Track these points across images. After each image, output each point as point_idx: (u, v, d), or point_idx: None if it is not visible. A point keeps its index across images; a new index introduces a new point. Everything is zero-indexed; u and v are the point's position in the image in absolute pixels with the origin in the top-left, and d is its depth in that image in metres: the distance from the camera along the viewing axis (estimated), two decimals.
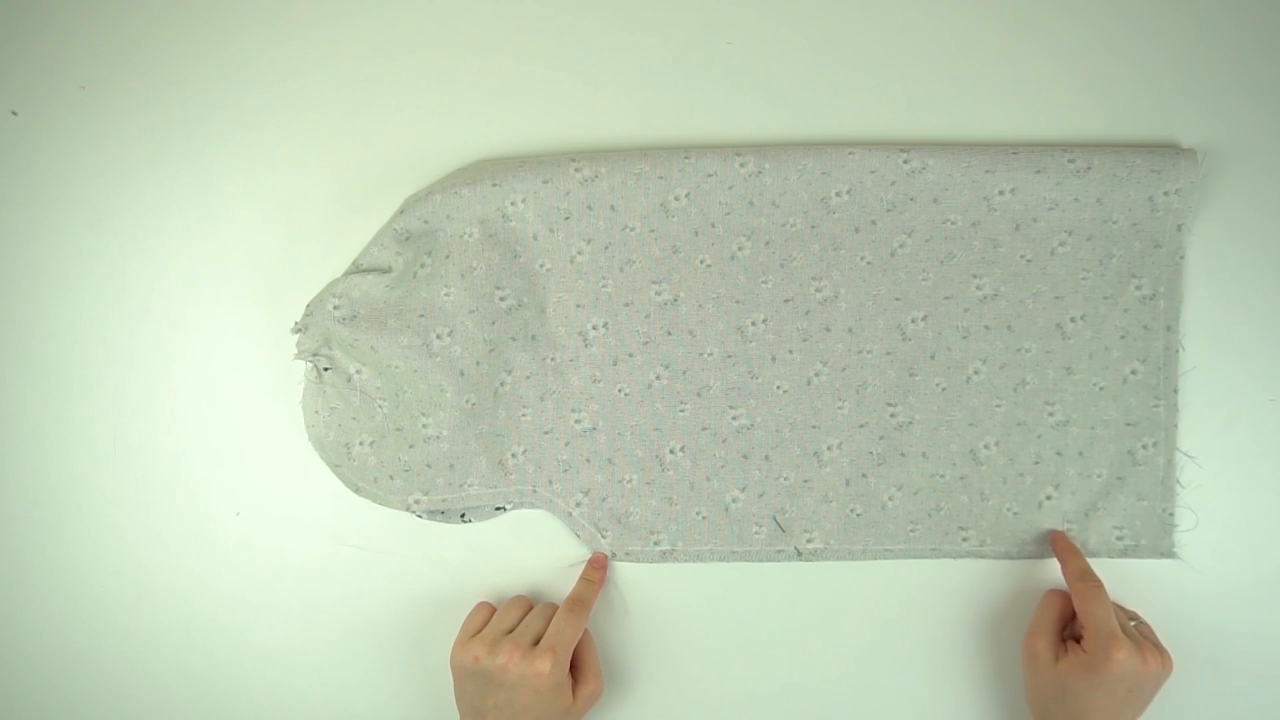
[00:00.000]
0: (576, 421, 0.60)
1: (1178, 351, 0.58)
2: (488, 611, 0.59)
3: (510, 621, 0.57)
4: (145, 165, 0.61)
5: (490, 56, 0.60)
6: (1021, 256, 0.58)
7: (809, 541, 0.59)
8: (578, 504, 0.60)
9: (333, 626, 0.62)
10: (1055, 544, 0.58)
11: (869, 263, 0.58)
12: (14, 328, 0.62)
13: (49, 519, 0.62)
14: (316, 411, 0.60)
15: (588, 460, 0.60)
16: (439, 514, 0.60)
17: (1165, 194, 0.56)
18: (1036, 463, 0.59)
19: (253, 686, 0.63)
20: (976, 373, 0.59)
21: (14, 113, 0.62)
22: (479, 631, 0.57)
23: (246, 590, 0.62)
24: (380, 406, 0.59)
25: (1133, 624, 0.55)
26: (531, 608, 0.58)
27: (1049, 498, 0.59)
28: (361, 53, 0.61)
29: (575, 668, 0.56)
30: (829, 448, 0.59)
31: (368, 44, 0.61)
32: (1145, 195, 0.56)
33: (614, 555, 0.60)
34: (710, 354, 0.59)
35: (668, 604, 0.61)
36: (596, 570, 0.60)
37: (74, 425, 0.62)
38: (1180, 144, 0.58)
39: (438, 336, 0.58)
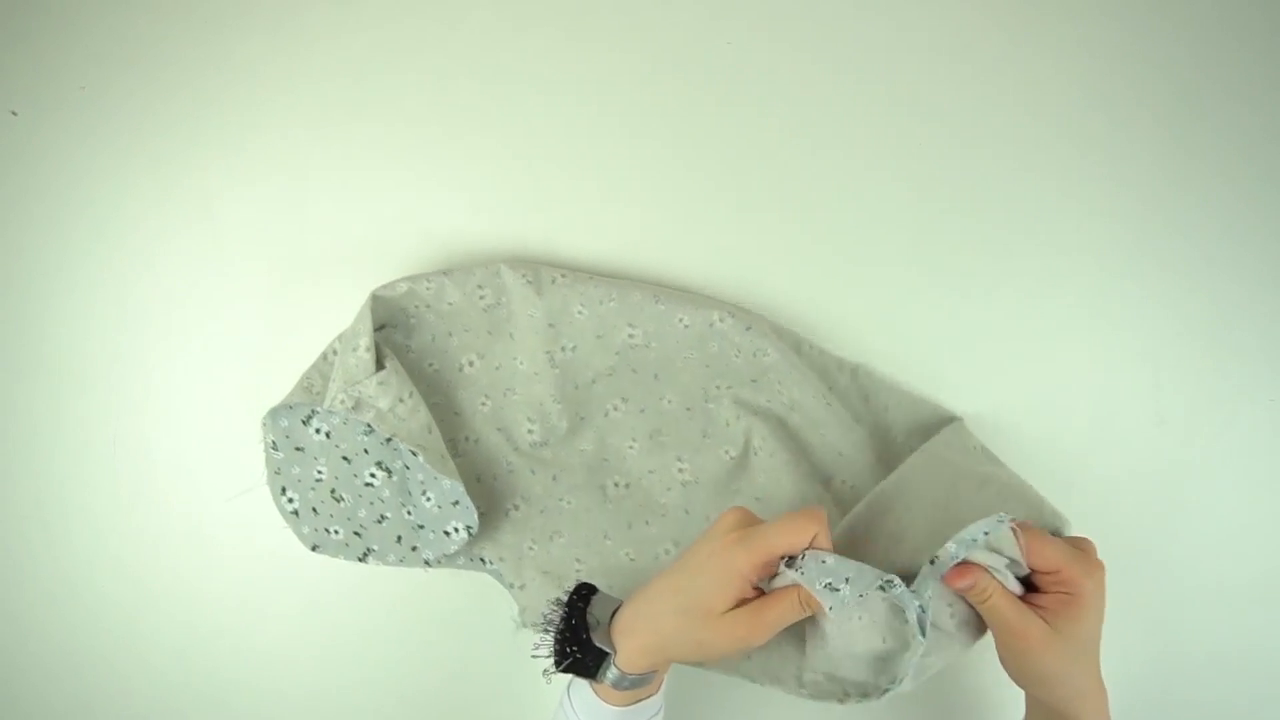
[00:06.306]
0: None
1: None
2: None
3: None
4: (145, 165, 0.61)
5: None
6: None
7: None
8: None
9: (333, 626, 0.62)
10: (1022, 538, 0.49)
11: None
12: (14, 328, 0.62)
13: (49, 519, 0.62)
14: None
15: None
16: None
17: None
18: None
19: (253, 685, 0.63)
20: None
21: (14, 113, 0.62)
22: None
23: (246, 590, 0.62)
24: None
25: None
26: None
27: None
28: (362, 56, 0.61)
29: None
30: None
31: (368, 47, 0.61)
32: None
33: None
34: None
35: None
36: None
37: (74, 425, 0.62)
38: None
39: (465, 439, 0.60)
